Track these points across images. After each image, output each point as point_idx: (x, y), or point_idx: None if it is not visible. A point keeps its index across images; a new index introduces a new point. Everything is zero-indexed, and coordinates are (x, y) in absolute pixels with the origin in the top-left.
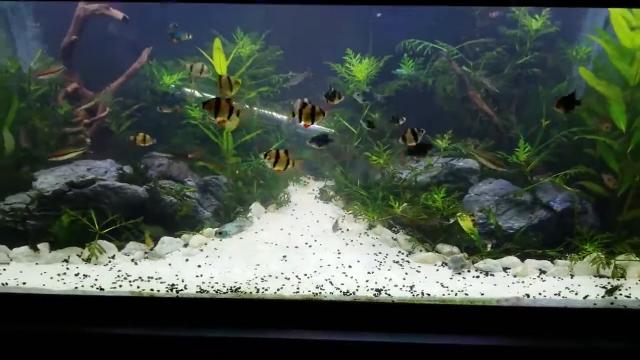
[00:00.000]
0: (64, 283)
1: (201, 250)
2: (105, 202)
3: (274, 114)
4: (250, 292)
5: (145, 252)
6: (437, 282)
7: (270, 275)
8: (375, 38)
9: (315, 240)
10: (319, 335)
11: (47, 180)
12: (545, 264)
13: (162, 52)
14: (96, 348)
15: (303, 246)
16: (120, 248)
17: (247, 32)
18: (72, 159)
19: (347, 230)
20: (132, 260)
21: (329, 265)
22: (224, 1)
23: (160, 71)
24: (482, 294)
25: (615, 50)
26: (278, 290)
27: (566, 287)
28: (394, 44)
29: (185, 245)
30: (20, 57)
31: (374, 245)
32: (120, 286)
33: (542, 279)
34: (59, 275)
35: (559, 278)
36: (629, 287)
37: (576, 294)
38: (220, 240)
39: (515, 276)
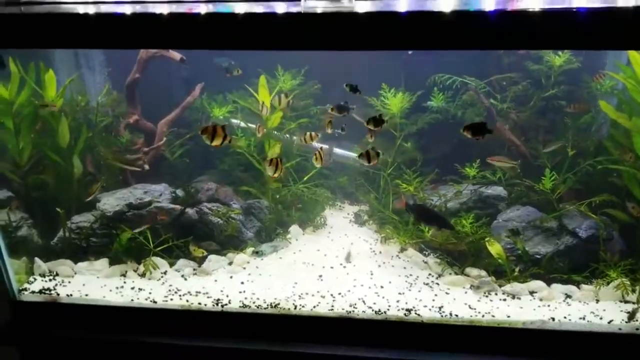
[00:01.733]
0: (122, 295)
1: (244, 268)
2: (159, 222)
3: (313, 143)
4: (289, 309)
5: (194, 269)
6: (465, 303)
7: (307, 293)
8: (407, 73)
9: (350, 262)
10: (351, 351)
11: (109, 202)
12: (571, 288)
13: (212, 87)
14: (148, 357)
15: (338, 267)
16: (171, 265)
17: (287, 69)
18: (130, 183)
19: (380, 252)
20: (182, 276)
21: (362, 285)
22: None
23: (211, 104)
24: (509, 316)
25: (635, 84)
26: (314, 307)
27: (591, 312)
28: (425, 79)
29: (230, 263)
30: (88, 92)
31: (405, 268)
32: (172, 299)
33: (567, 303)
34: (117, 288)
35: (585, 303)
36: None
37: (601, 318)
38: (262, 259)
39: (541, 300)
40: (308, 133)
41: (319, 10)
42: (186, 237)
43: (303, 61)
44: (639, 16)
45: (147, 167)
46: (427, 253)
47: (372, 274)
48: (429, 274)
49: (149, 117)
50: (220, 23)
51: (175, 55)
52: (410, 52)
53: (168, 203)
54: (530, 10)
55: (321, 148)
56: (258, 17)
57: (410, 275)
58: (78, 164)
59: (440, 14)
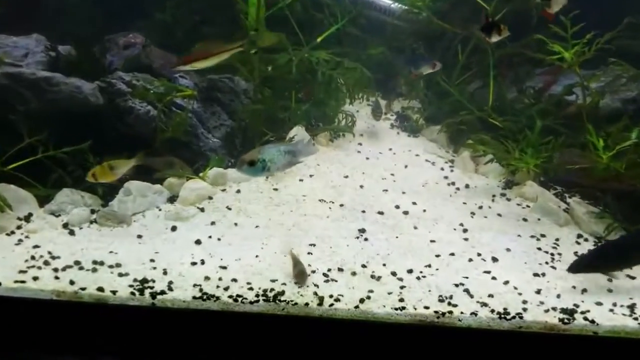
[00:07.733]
0: None
1: (201, 210)
2: (18, 109)
3: None
4: (306, 304)
5: (94, 211)
6: None
7: (340, 269)
8: None
9: (414, 203)
10: None
11: None
12: None
13: None
14: None
15: (392, 211)
16: (44, 200)
17: None
18: None
19: (467, 187)
20: (66, 225)
21: (451, 254)
22: None
23: None
24: None
25: None
26: (361, 302)
27: None
28: None
29: (172, 198)
30: None
31: (525, 220)
32: (36, 278)
33: None
34: None
35: None
36: None
37: None
38: (265, 179)
39: None
40: None
41: None
42: (78, 142)
43: None
44: None
45: None
46: (560, 191)
47: (464, 230)
48: (578, 235)
49: None
50: None
51: None
52: None
53: (37, 69)
54: None
55: None
56: None
57: (543, 236)
58: None
59: None
